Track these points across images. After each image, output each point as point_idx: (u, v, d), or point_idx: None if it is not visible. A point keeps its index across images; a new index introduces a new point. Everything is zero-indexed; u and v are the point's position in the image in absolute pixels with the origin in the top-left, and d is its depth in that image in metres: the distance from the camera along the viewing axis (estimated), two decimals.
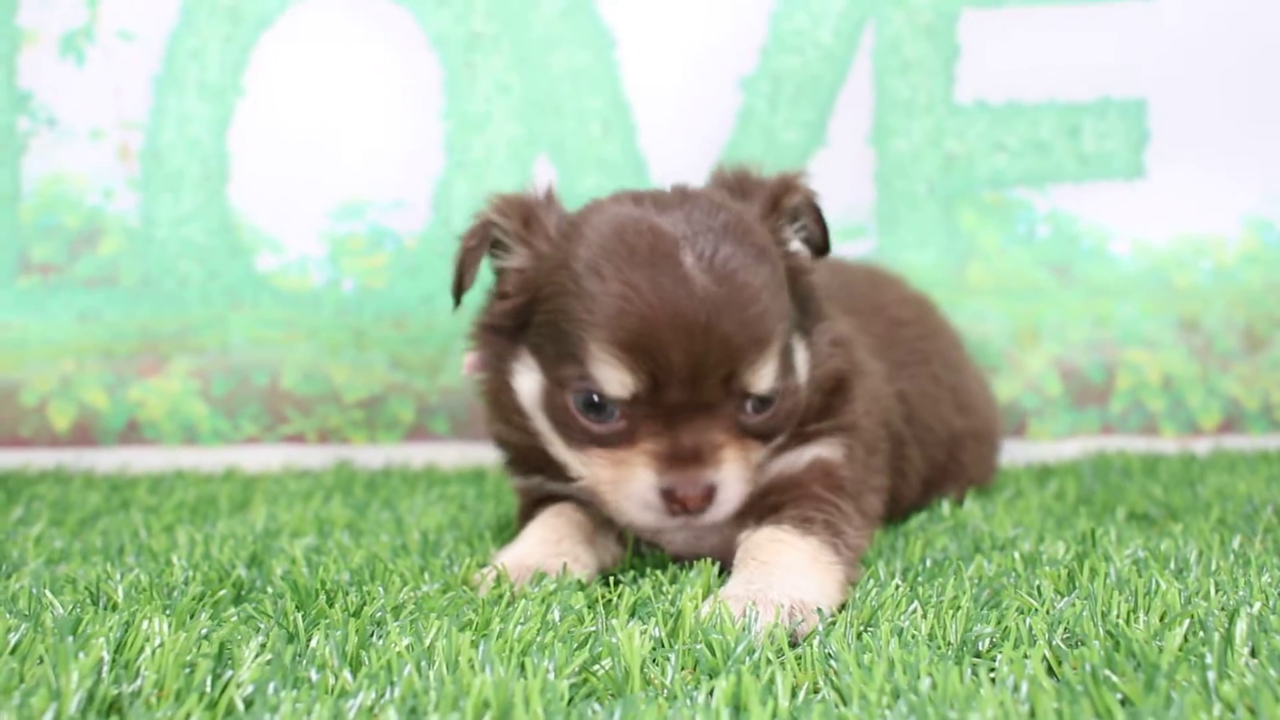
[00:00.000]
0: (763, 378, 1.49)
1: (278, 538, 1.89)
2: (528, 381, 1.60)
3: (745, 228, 1.55)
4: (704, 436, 1.48)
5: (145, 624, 1.21)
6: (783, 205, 1.64)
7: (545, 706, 0.99)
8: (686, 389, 1.46)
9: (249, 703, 1.03)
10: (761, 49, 2.83)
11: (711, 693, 1.04)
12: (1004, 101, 2.86)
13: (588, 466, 1.55)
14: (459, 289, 1.67)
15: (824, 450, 1.67)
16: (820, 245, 1.70)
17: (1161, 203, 2.88)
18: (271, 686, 1.04)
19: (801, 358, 1.62)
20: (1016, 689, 1.04)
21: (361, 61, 2.84)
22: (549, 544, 1.60)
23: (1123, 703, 1.02)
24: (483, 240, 1.63)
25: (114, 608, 1.40)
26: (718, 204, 1.58)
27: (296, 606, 1.35)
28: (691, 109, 2.82)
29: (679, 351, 1.45)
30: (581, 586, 1.47)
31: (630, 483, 1.50)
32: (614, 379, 1.48)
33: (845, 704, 1.02)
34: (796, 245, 1.67)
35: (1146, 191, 2.88)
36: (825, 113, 2.83)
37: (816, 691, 1.08)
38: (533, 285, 1.58)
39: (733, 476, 1.50)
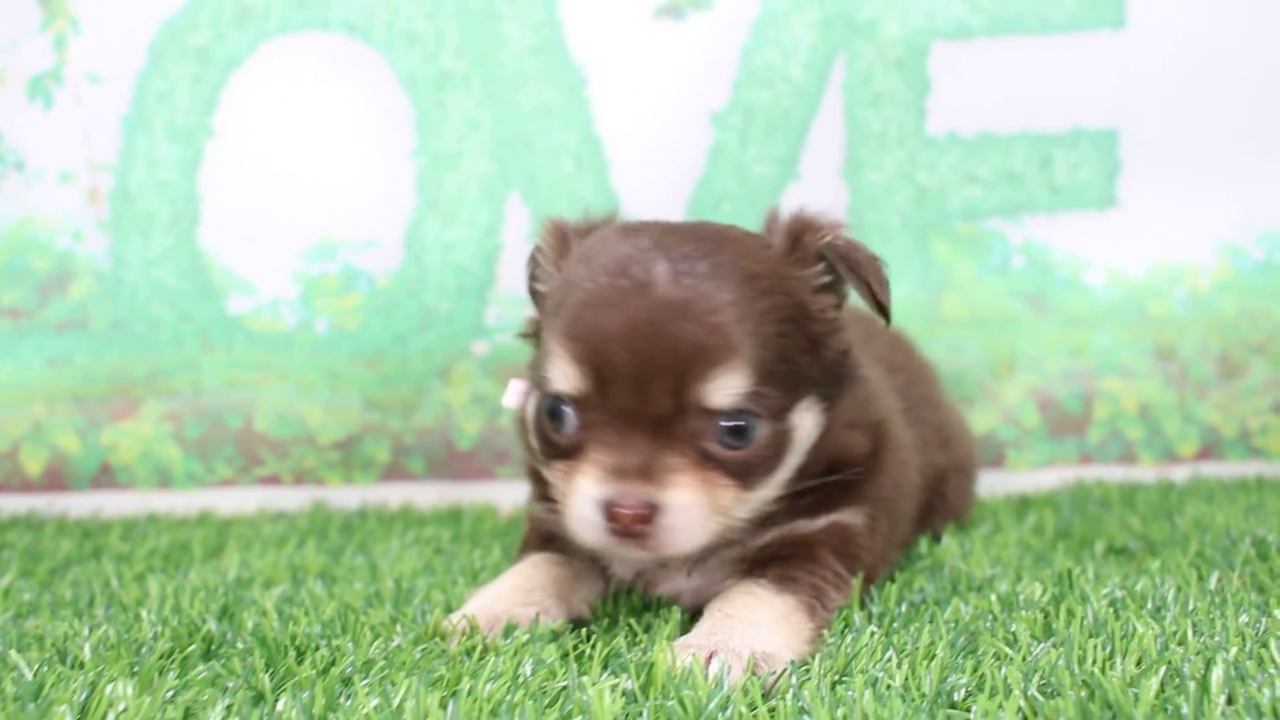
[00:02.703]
0: (718, 390, 1.40)
1: (250, 587, 1.86)
2: (530, 403, 1.58)
3: (740, 253, 1.49)
4: (656, 455, 1.41)
5: (110, 687, 1.19)
6: (803, 243, 1.54)
7: None
8: (633, 393, 1.40)
9: None
10: (733, 84, 2.83)
11: None
12: (976, 133, 2.86)
13: (554, 482, 1.51)
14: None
15: (846, 516, 1.63)
16: (874, 301, 1.58)
17: (1135, 231, 2.88)
18: None
19: (810, 421, 1.54)
20: None
21: (331, 101, 2.83)
22: (519, 593, 1.56)
23: None
24: (532, 264, 1.66)
25: (80, 666, 1.38)
26: (719, 231, 1.55)
27: (265, 664, 1.33)
28: (664, 145, 2.81)
29: (623, 348, 1.39)
30: (554, 637, 1.45)
31: (574, 495, 1.44)
32: (560, 372, 1.44)
33: None
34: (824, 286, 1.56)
35: (1120, 221, 2.87)
36: (797, 147, 2.83)
37: None
38: (548, 305, 1.57)
39: (682, 502, 1.41)
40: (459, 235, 2.83)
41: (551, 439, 1.49)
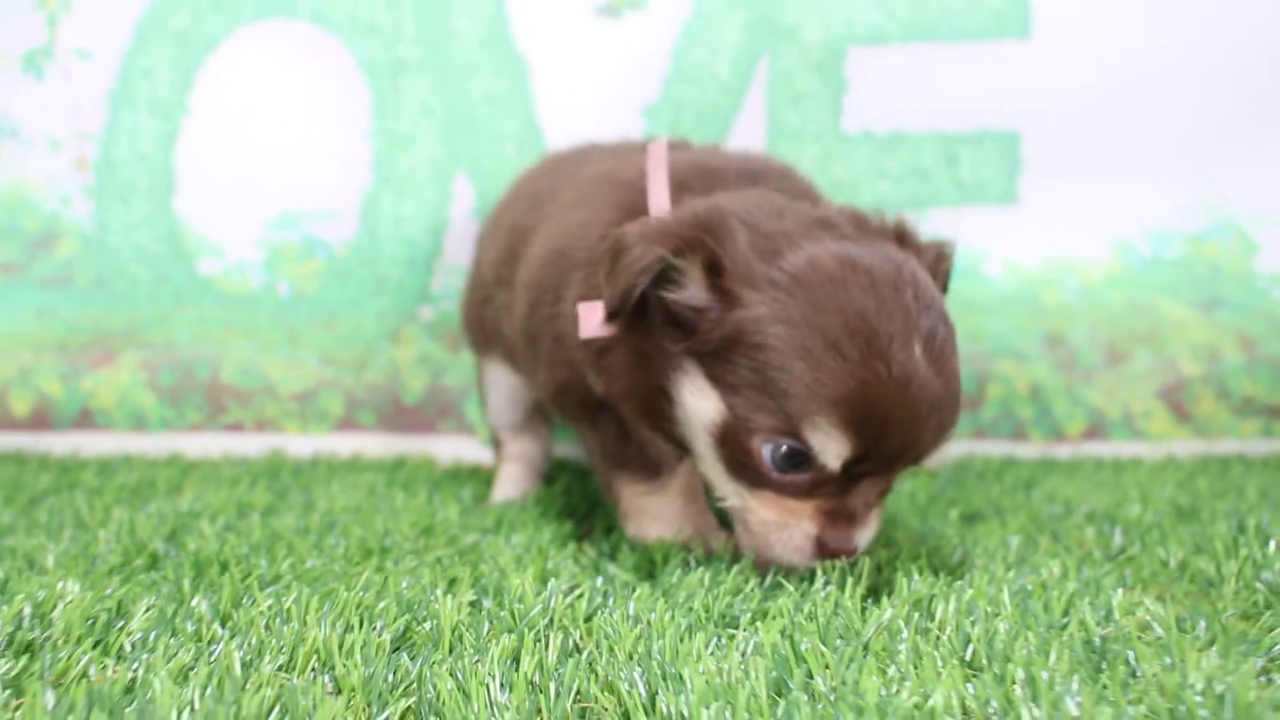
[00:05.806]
0: (942, 453, 1.66)
1: (199, 518, 2.12)
2: (699, 403, 1.62)
3: (943, 303, 1.64)
4: (866, 502, 1.62)
5: (61, 584, 1.48)
6: (939, 272, 1.75)
7: (363, 655, 1.26)
8: (885, 464, 1.59)
9: (134, 646, 1.30)
10: (664, 80, 3.07)
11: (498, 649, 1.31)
12: (888, 132, 3.09)
13: (746, 499, 1.65)
14: (618, 311, 1.63)
15: None
16: None
17: (1033, 227, 3.10)
18: (154, 634, 1.32)
19: None
20: (744, 654, 1.30)
21: (297, 84, 3.08)
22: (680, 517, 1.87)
23: (826, 668, 1.26)
24: (645, 272, 1.58)
25: (45, 572, 1.67)
26: (918, 270, 1.64)
27: (194, 575, 1.62)
28: (599, 133, 3.02)
29: (898, 437, 1.54)
30: (438, 562, 1.73)
31: (790, 530, 1.62)
32: (833, 451, 1.55)
33: (597, 660, 1.29)
34: None
35: (1019, 216, 3.10)
36: (722, 140, 3.06)
37: (580, 651, 1.34)
38: (730, 327, 1.57)
39: (871, 537, 1.65)
40: (410, 210, 3.09)
41: (767, 474, 1.60)
